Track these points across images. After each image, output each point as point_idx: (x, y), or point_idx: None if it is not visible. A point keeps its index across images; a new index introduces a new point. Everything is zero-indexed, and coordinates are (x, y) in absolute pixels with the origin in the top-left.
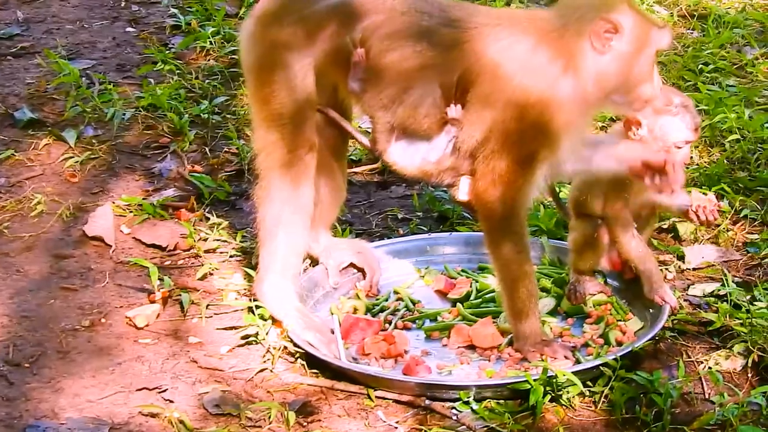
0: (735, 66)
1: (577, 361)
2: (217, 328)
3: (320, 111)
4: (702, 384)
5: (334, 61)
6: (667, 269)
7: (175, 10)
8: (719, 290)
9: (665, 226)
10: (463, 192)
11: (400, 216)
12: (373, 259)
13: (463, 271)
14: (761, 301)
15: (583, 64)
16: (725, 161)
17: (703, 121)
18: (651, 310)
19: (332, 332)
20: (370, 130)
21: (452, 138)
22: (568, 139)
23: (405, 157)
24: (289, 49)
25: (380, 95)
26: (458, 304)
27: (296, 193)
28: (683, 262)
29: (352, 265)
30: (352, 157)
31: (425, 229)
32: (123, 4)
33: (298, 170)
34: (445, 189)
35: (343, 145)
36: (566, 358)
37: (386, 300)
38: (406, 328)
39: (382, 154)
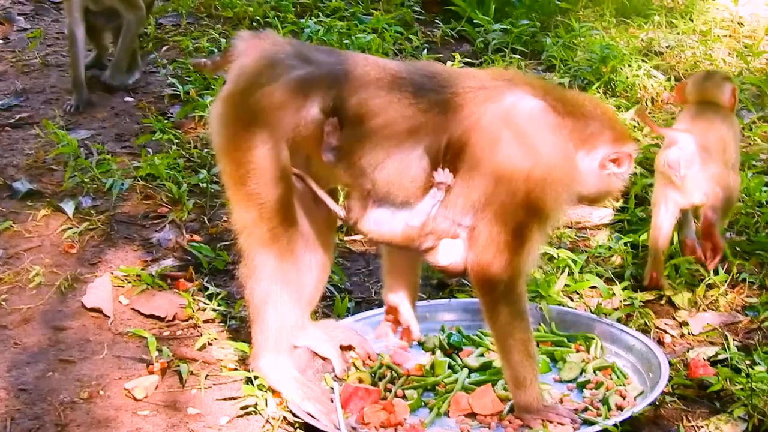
0: None
1: (585, 422)
2: (217, 399)
3: (295, 175)
4: None
5: (306, 133)
6: (665, 333)
7: (174, 80)
8: (719, 354)
9: (658, 301)
10: (443, 256)
11: None
12: (352, 332)
13: (466, 337)
14: (761, 365)
15: (583, 161)
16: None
17: None
18: (650, 374)
19: (332, 402)
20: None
21: (437, 202)
22: (558, 216)
23: (385, 223)
24: (260, 127)
25: (359, 162)
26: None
27: (281, 268)
28: (683, 328)
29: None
30: None
31: (424, 296)
32: None
33: (280, 246)
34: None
35: (330, 222)
36: (573, 421)
37: (380, 368)
38: (405, 396)
39: (357, 222)
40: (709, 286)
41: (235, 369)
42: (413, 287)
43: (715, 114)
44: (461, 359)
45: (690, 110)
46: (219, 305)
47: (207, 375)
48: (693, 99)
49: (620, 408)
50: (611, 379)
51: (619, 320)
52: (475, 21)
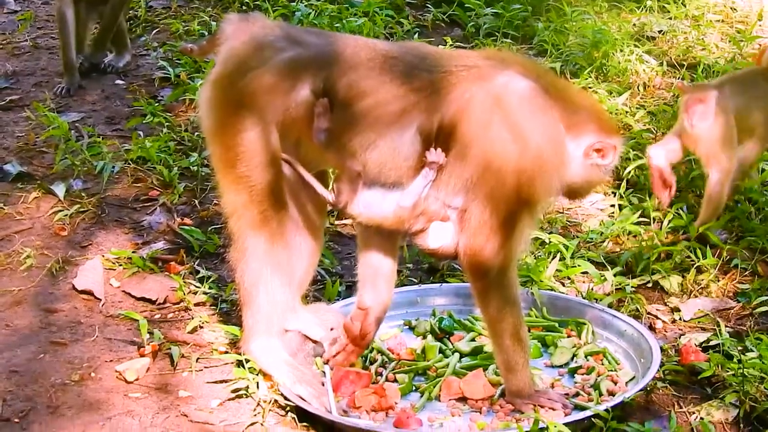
0: None
1: (576, 407)
2: (208, 382)
3: (284, 160)
4: None
5: (296, 115)
6: (657, 318)
7: (165, 62)
8: (711, 340)
9: (649, 285)
10: (434, 239)
11: None
12: (343, 316)
13: (457, 322)
14: (753, 351)
15: (569, 147)
16: None
17: (695, 170)
18: (642, 360)
19: (323, 385)
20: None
21: (429, 182)
22: (548, 199)
23: (375, 205)
24: (249, 110)
25: (350, 143)
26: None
27: (272, 252)
28: (675, 314)
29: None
30: None
31: (415, 280)
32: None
33: (271, 230)
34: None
35: (320, 206)
36: (564, 406)
37: (371, 351)
38: (396, 380)
39: (347, 206)
40: (699, 270)
41: (226, 352)
42: (388, 291)
43: (761, 82)
44: (452, 344)
45: (744, 71)
46: (210, 288)
47: (198, 358)
48: (766, 63)
49: (611, 393)
50: (602, 364)
51: (610, 305)
52: (466, 5)
